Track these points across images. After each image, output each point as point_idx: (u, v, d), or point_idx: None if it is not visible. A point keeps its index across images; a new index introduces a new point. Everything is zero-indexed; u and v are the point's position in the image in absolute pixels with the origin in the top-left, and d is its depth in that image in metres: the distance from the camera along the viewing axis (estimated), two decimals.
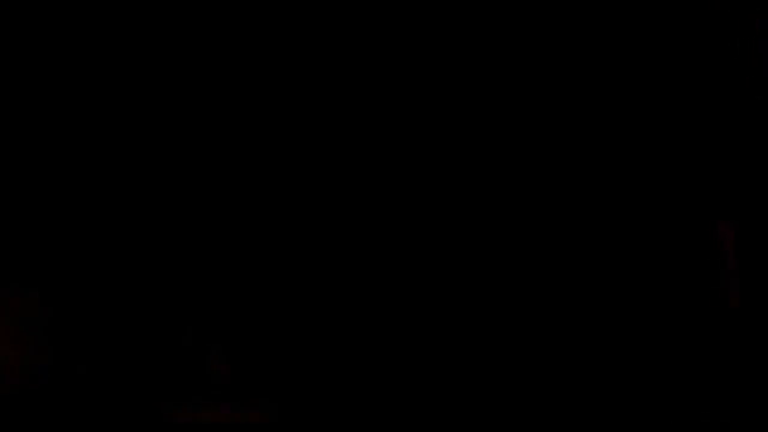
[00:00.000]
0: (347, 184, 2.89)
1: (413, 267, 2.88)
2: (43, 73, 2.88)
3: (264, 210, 2.89)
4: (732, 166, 2.89)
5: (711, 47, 2.90)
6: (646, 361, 2.83)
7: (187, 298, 2.84)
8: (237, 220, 2.88)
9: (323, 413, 2.82)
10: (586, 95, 2.91)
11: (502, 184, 2.90)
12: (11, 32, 2.87)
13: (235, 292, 2.85)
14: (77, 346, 2.80)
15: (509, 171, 2.90)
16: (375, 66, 2.93)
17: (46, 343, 2.79)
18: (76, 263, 2.84)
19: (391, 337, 2.85)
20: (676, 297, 2.86)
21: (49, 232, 2.84)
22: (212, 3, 2.92)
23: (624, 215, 2.88)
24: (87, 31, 2.90)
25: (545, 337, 2.84)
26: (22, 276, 2.82)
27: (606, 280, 2.86)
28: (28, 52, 2.89)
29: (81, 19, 2.90)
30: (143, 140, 2.88)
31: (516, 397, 2.83)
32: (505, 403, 2.83)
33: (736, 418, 2.80)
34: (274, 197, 2.89)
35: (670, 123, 2.91)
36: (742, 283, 2.84)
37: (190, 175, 2.88)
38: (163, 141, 2.88)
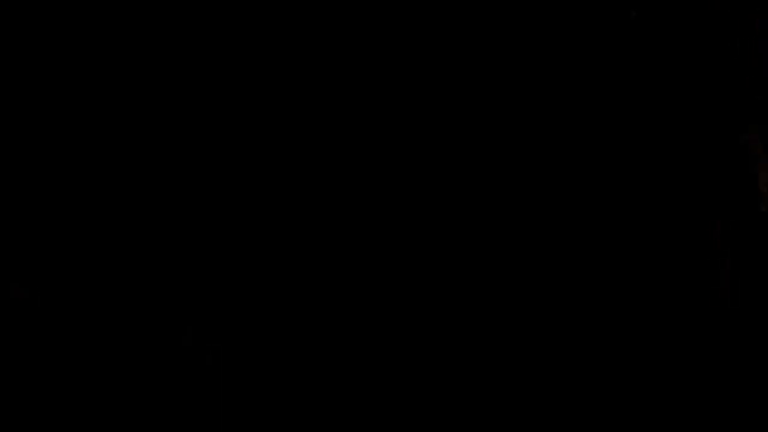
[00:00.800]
0: (347, 184, 2.89)
1: (413, 269, 2.88)
2: (43, 72, 2.88)
3: (263, 209, 2.89)
4: (730, 166, 2.89)
5: (711, 47, 2.90)
6: (643, 361, 2.83)
7: (187, 298, 2.84)
8: (237, 219, 2.88)
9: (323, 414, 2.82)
10: (584, 94, 2.91)
11: (495, 182, 2.90)
12: (10, 31, 2.87)
13: (235, 292, 2.85)
14: (75, 346, 2.79)
15: (504, 168, 2.90)
16: (375, 66, 2.93)
17: (43, 344, 2.79)
18: (75, 262, 2.84)
19: (391, 338, 2.86)
20: (672, 296, 2.86)
21: (48, 231, 2.84)
22: (212, 3, 2.91)
23: (620, 214, 2.88)
24: (86, 30, 2.90)
25: (541, 337, 2.84)
26: (19, 275, 2.82)
27: (602, 278, 2.86)
28: (27, 52, 2.88)
29: (80, 19, 2.89)
30: (143, 140, 2.88)
31: (512, 396, 2.83)
32: (500, 403, 2.83)
33: (734, 417, 2.80)
34: (274, 197, 2.89)
35: (669, 122, 2.91)
36: (737, 283, 2.84)
37: (191, 174, 2.88)
38: (164, 141, 2.88)
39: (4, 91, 2.87)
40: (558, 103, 2.91)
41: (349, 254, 2.88)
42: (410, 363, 2.85)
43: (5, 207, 2.84)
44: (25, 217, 2.84)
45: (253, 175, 2.89)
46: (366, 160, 2.91)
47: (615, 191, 2.89)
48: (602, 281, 2.87)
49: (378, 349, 2.85)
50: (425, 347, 2.85)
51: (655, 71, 2.91)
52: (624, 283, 2.86)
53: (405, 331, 2.86)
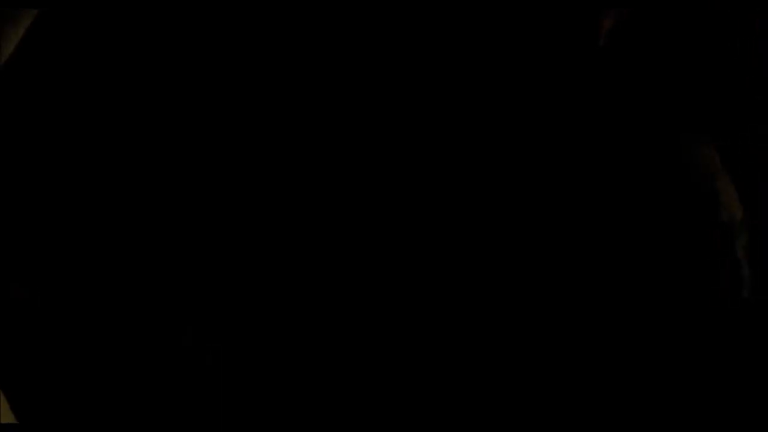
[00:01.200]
0: (345, 183, 2.90)
1: (412, 268, 2.89)
2: (42, 70, 2.89)
3: (263, 209, 2.90)
4: (730, 166, 2.89)
5: (711, 47, 2.91)
6: (642, 361, 2.84)
7: (187, 298, 2.85)
8: (236, 218, 2.89)
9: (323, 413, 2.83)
10: (583, 93, 2.92)
11: (495, 184, 2.91)
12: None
13: (235, 292, 2.86)
14: (75, 346, 2.80)
15: (502, 167, 2.91)
16: (372, 65, 2.94)
17: (43, 344, 2.80)
18: (75, 262, 2.85)
19: (392, 338, 2.87)
20: (672, 296, 2.87)
21: (47, 231, 2.85)
22: (212, 3, 2.92)
23: (621, 212, 2.89)
24: (84, 29, 2.91)
25: (540, 337, 2.86)
26: (19, 275, 2.83)
27: (601, 279, 2.88)
28: (26, 49, 2.89)
29: (78, 18, 2.90)
30: (142, 140, 2.89)
31: (512, 395, 2.84)
32: (499, 403, 2.84)
33: (734, 417, 2.81)
34: (273, 197, 2.90)
35: (669, 122, 2.92)
36: (737, 282, 2.85)
37: (191, 174, 2.89)
38: (163, 142, 2.89)
39: (2, 92, 2.88)
40: (558, 103, 2.92)
41: (349, 253, 2.89)
42: (410, 362, 2.86)
43: (5, 207, 2.85)
44: (25, 217, 2.85)
45: (252, 174, 2.90)
46: (365, 160, 2.92)
47: (614, 190, 2.90)
48: (601, 281, 2.88)
49: (379, 349, 2.86)
50: (425, 346, 2.86)
51: (654, 70, 2.92)
52: (623, 282, 2.87)
53: (405, 330, 2.87)
